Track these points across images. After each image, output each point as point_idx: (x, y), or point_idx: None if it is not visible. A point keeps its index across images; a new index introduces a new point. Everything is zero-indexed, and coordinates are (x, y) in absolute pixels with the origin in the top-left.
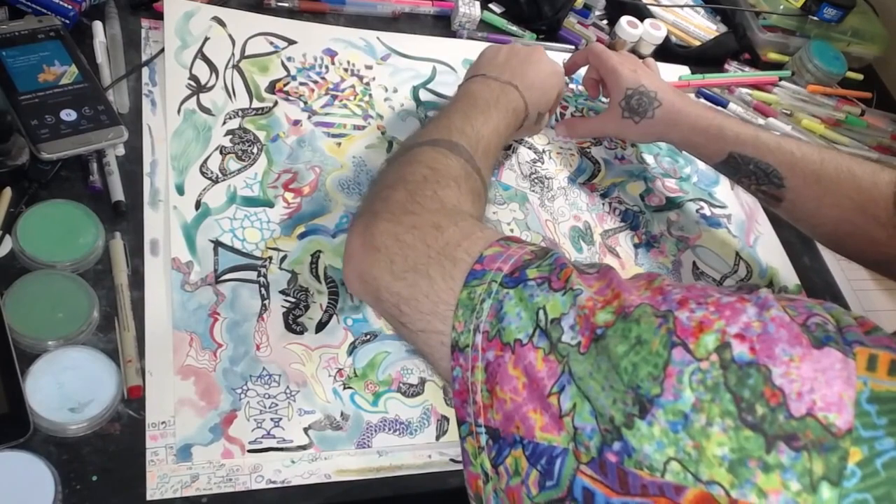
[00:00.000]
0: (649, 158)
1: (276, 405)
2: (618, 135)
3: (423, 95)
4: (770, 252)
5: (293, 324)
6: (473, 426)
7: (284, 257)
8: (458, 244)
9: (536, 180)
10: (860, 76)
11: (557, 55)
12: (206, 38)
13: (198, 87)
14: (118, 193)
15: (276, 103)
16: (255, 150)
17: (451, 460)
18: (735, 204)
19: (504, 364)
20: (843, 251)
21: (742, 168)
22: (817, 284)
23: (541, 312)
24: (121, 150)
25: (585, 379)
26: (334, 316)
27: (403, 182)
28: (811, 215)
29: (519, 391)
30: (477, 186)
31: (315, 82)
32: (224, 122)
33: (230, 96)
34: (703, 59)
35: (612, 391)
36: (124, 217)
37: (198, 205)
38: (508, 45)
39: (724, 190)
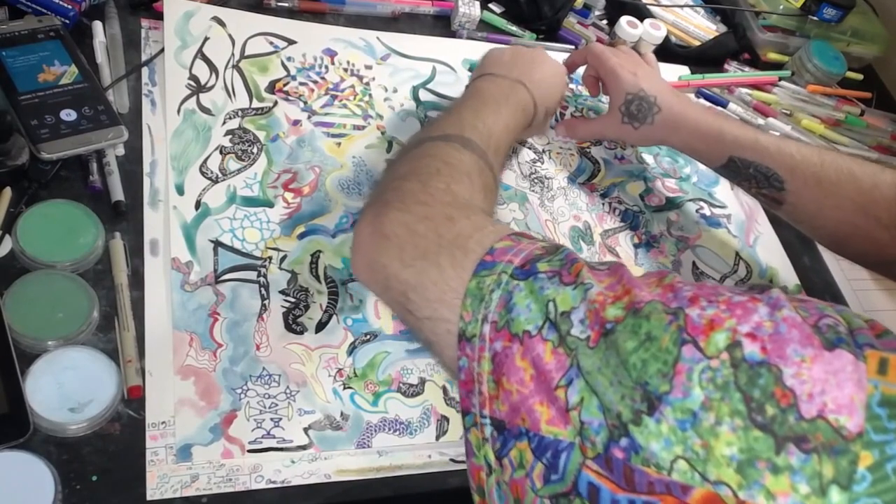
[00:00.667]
0: (649, 158)
1: (276, 405)
2: (617, 139)
3: (423, 95)
4: (770, 252)
5: (293, 324)
6: (478, 417)
7: (284, 257)
8: (470, 236)
9: (536, 180)
10: (860, 76)
11: (557, 55)
12: (206, 38)
13: (197, 87)
14: (118, 193)
15: (275, 103)
16: (254, 150)
17: (451, 460)
18: (735, 204)
19: (512, 355)
20: (845, 253)
21: (742, 172)
22: (817, 284)
23: (551, 305)
24: (121, 150)
25: (594, 373)
26: (334, 316)
27: (416, 174)
28: (812, 217)
29: (526, 383)
30: (489, 182)
31: (315, 82)
32: (224, 122)
33: (230, 96)
34: (702, 59)
35: (621, 387)
36: (124, 217)
37: (197, 205)
38: (512, 46)
39: (724, 190)
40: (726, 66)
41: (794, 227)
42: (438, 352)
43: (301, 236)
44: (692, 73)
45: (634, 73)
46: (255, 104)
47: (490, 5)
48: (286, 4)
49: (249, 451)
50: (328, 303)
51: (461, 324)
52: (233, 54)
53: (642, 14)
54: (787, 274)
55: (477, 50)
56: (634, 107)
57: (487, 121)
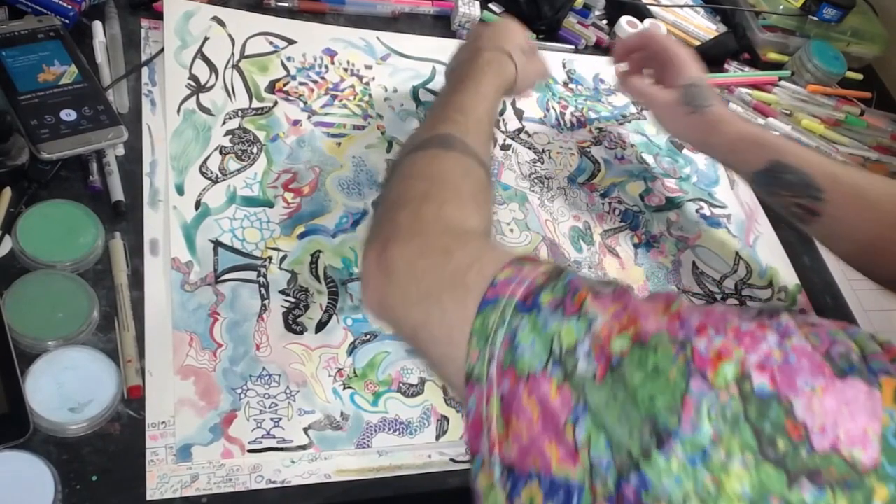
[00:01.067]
0: (649, 158)
1: (276, 405)
2: (661, 117)
3: (423, 95)
4: (770, 252)
5: (293, 324)
6: (487, 459)
7: (284, 257)
8: (469, 267)
9: (536, 180)
10: (860, 76)
11: (557, 55)
12: (206, 38)
13: (197, 87)
14: (118, 193)
15: (275, 103)
16: (254, 150)
17: (451, 460)
18: (735, 204)
19: (519, 395)
20: (875, 272)
21: (781, 178)
22: (817, 284)
23: (555, 341)
24: (120, 150)
25: (601, 409)
26: (334, 316)
27: (406, 201)
28: (849, 231)
29: (534, 423)
30: (478, 179)
31: (315, 82)
32: (224, 122)
33: (230, 96)
34: (702, 59)
35: (629, 422)
36: (124, 217)
37: (197, 205)
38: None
39: (724, 190)
40: (726, 66)
41: (794, 227)
42: (453, 388)
43: (301, 236)
44: None
45: (695, 63)
46: (255, 104)
47: (490, 5)
48: (286, 4)
49: (249, 451)
50: (328, 303)
51: (468, 364)
52: (233, 54)
53: (642, 14)
54: (787, 274)
55: None
56: (694, 91)
57: (458, 103)
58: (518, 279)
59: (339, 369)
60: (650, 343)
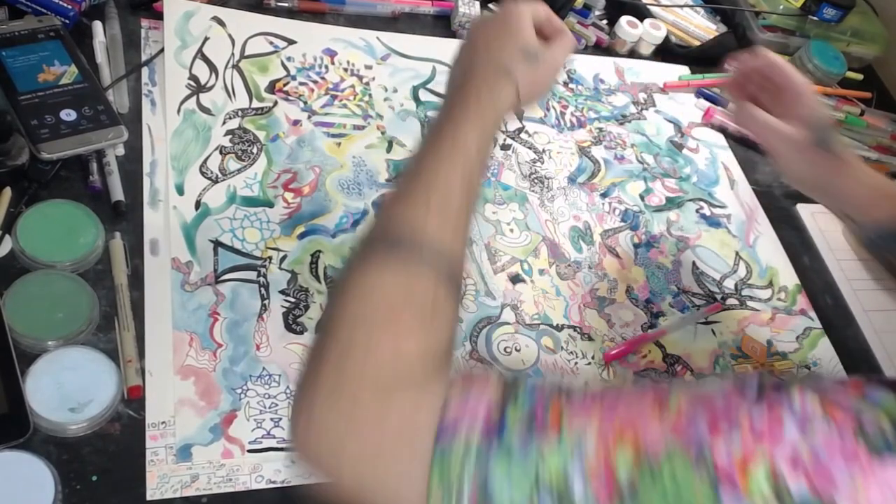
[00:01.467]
0: (649, 158)
1: (276, 405)
2: (783, 153)
3: (423, 95)
4: (770, 252)
5: (293, 324)
6: None
7: (284, 257)
8: (412, 416)
9: (536, 180)
10: (860, 76)
11: None
12: (206, 38)
13: (197, 87)
14: (118, 193)
15: (275, 103)
16: (254, 150)
17: None
18: (735, 204)
19: None
20: None
21: None
22: (817, 284)
23: (540, 477)
24: (120, 150)
25: None
26: None
27: (330, 347)
28: None
29: None
30: (424, 299)
31: (315, 82)
32: (224, 122)
33: (230, 96)
34: (702, 58)
35: None
36: (124, 217)
37: (197, 205)
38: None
39: (724, 190)
40: (726, 67)
41: (794, 227)
42: None
43: (301, 236)
44: (692, 72)
45: (814, 95)
46: (255, 104)
47: (490, 5)
48: (286, 4)
49: (249, 451)
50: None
51: None
52: (233, 54)
53: (642, 14)
54: (786, 274)
55: None
56: (828, 132)
57: (426, 171)
58: (469, 407)
59: None
60: (662, 462)
